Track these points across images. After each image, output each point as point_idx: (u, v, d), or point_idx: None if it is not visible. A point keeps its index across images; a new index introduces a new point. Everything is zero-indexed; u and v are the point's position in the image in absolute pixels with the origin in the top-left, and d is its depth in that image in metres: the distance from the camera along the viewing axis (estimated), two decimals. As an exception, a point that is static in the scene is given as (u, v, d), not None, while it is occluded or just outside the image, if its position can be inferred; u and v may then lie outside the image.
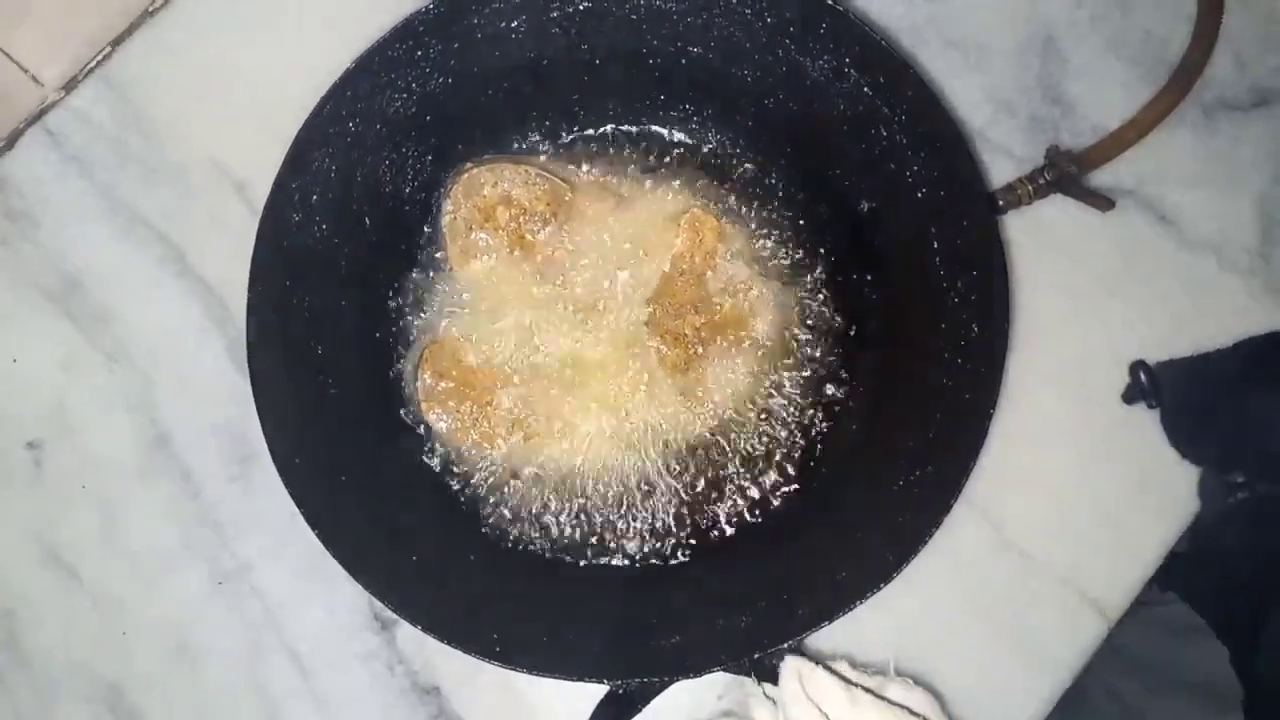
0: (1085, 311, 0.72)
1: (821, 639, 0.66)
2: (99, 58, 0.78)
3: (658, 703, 0.62)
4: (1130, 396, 0.70)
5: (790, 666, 0.56)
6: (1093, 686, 0.69)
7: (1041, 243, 0.72)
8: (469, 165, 0.72)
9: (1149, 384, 0.69)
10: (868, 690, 0.58)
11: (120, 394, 0.74)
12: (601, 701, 0.61)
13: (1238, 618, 0.73)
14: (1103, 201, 0.71)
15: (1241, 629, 0.72)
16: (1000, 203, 0.70)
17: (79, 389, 0.74)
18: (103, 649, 0.70)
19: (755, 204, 0.73)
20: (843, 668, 0.64)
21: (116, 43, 0.78)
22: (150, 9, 0.78)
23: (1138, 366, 0.70)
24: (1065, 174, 0.70)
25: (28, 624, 0.71)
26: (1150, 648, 0.80)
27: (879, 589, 0.59)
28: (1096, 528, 0.69)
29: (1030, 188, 0.70)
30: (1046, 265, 0.72)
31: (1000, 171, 0.73)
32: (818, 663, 0.62)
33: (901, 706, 0.55)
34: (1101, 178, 0.73)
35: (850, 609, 0.59)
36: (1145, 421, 0.70)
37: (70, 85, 0.78)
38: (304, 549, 0.60)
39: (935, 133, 0.65)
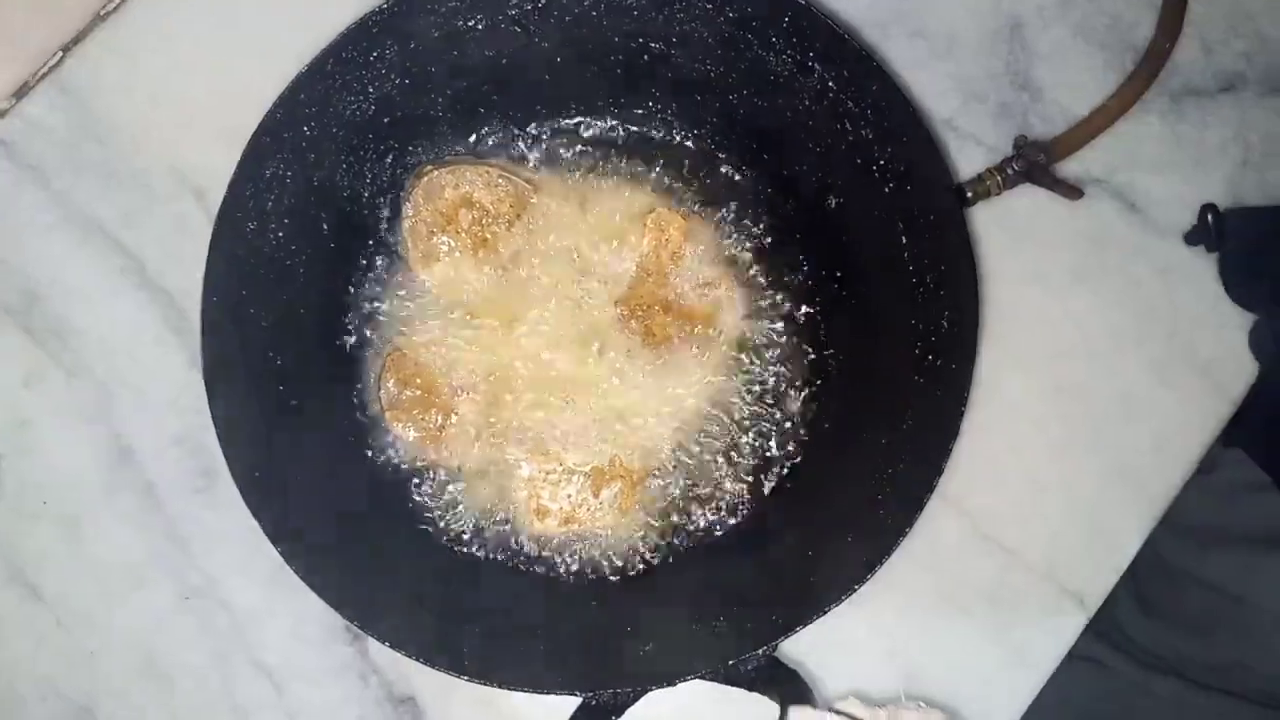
0: (1056, 301, 0.72)
1: (799, 642, 0.66)
2: (51, 63, 0.76)
3: (634, 711, 0.62)
4: (1193, 239, 0.70)
5: (796, 716, 0.56)
6: (1152, 564, 0.70)
7: (1011, 233, 0.72)
8: (429, 167, 0.71)
9: (1215, 227, 0.69)
10: None
11: (81, 407, 0.72)
12: (574, 713, 0.60)
13: None
14: (1072, 191, 0.71)
15: None
16: (969, 194, 0.69)
17: (39, 403, 0.72)
18: (70, 667, 0.70)
19: (721, 201, 0.72)
20: (852, 705, 0.64)
21: (68, 48, 0.76)
22: (102, 12, 0.76)
23: (1207, 209, 0.70)
24: (1034, 164, 0.70)
25: (-8, 643, 0.70)
26: (1205, 512, 0.79)
27: (854, 590, 0.59)
28: (1073, 519, 0.69)
29: (999, 178, 0.69)
30: (1016, 256, 0.71)
31: (970, 160, 0.73)
32: (827, 709, 0.62)
33: None
34: (1070, 167, 0.72)
35: (825, 612, 0.59)
36: (1118, 409, 0.70)
37: (22, 92, 0.76)
38: (271, 560, 0.60)
39: (901, 126, 0.64)
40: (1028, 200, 0.71)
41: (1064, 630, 0.68)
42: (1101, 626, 0.71)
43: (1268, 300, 0.70)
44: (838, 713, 0.61)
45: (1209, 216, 0.70)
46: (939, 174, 0.64)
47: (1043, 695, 0.68)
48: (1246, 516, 0.78)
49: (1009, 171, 0.69)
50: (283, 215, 0.64)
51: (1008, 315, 0.70)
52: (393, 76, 0.66)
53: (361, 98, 0.66)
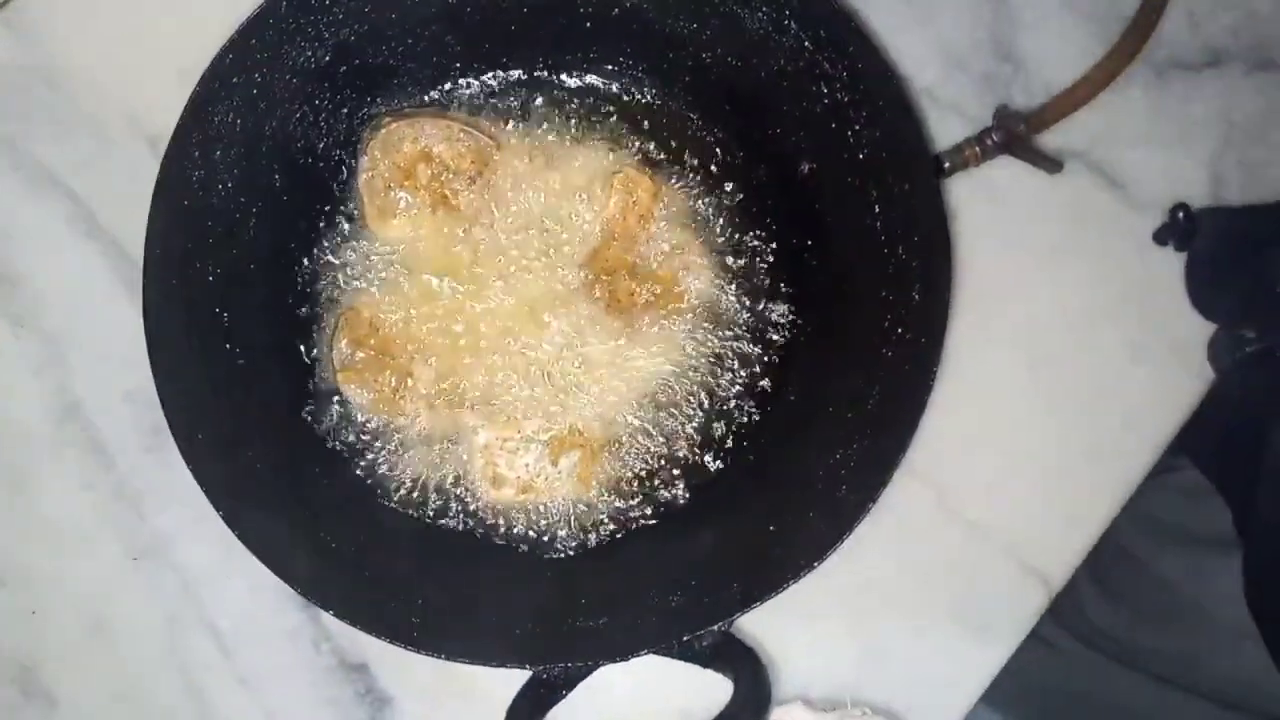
0: (1033, 275, 0.71)
1: (757, 618, 0.64)
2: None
3: (586, 685, 0.61)
4: (1161, 237, 0.69)
5: None
6: (1112, 549, 0.71)
7: (989, 206, 0.70)
8: (387, 119, 0.68)
9: (1185, 226, 0.68)
10: None
11: (28, 361, 0.70)
12: (524, 687, 0.60)
13: (1239, 473, 0.73)
14: (1051, 164, 0.70)
15: (1242, 483, 0.73)
16: (946, 165, 0.68)
17: (-16, 355, 0.70)
18: (13, 628, 0.68)
19: (691, 164, 0.71)
20: (796, 710, 0.64)
21: (16, -16, 0.73)
22: (53, -52, 0.73)
23: (1178, 209, 0.69)
24: (1014, 135, 0.68)
25: (-67, 604, 0.68)
26: (1165, 510, 0.82)
27: (814, 567, 0.58)
28: (1040, 496, 0.69)
29: (977, 149, 0.68)
30: (993, 229, 0.70)
31: (950, 131, 0.71)
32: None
33: None
34: (1051, 139, 0.71)
35: (784, 588, 0.58)
36: (1091, 387, 0.70)
37: (-33, 29, 0.73)
38: (223, 522, 0.59)
39: (878, 91, 0.63)
40: (1007, 172, 0.70)
41: (1027, 608, 0.68)
42: (1063, 611, 0.72)
43: (1230, 311, 0.69)
44: None
45: (1179, 215, 0.69)
46: (916, 142, 0.63)
47: (1003, 676, 0.68)
48: (1201, 519, 0.78)
49: (988, 142, 0.68)
50: (231, 165, 0.63)
51: (982, 289, 0.69)
52: (351, 23, 0.64)
53: (317, 44, 0.64)
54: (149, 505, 0.69)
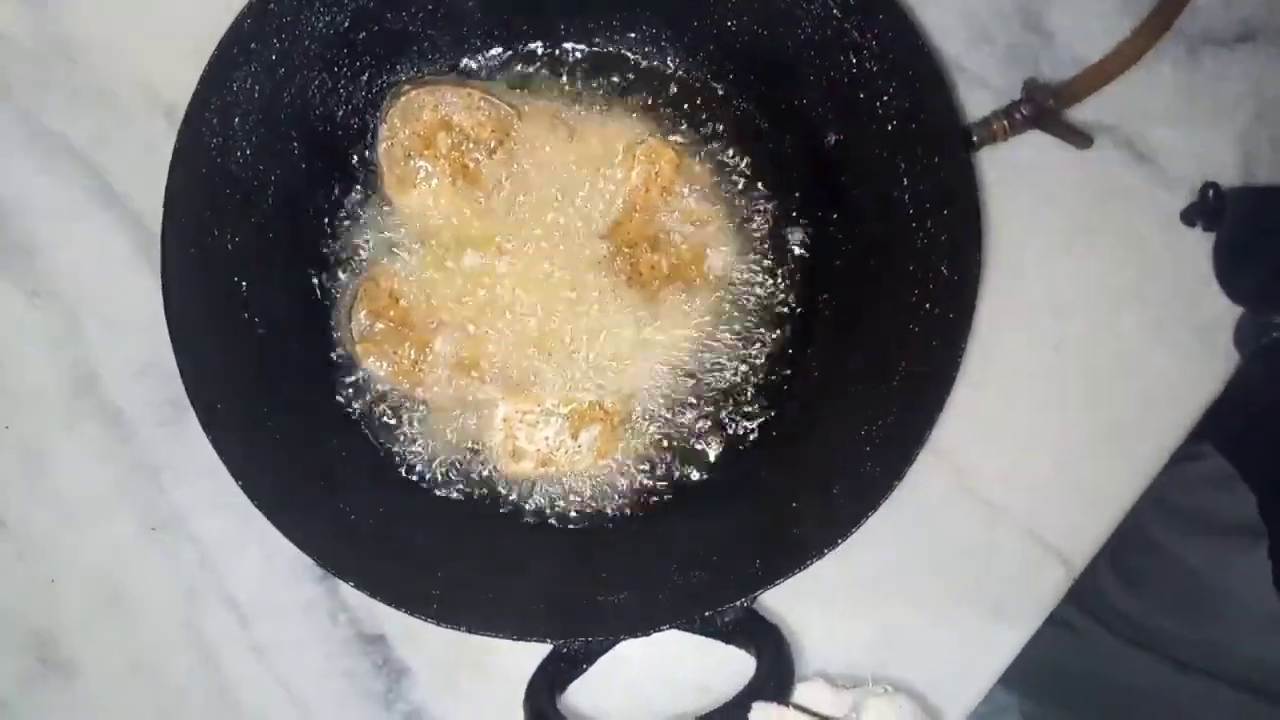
0: (1060, 252, 0.70)
1: (778, 595, 0.64)
2: (14, -31, 0.73)
3: (606, 659, 0.61)
4: (1190, 216, 0.69)
5: (759, 713, 0.57)
6: (1133, 535, 0.70)
7: (1017, 180, 0.69)
8: (407, 87, 0.68)
9: (1215, 205, 0.67)
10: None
11: (45, 332, 0.70)
12: (544, 660, 0.60)
13: (1263, 459, 0.73)
14: (1081, 138, 0.69)
15: (1266, 470, 0.72)
16: (975, 138, 0.67)
17: (1, 326, 0.70)
18: (31, 598, 0.68)
19: (716, 134, 0.70)
20: (818, 687, 0.63)
21: (32, -47, 0.73)
22: (70, -82, 0.73)
23: (1208, 187, 0.68)
24: (1043, 109, 0.67)
25: (-49, 573, 0.68)
26: (1187, 497, 0.81)
27: (836, 544, 0.57)
28: (1062, 477, 0.68)
29: (1006, 123, 0.67)
30: (1021, 204, 0.69)
31: (977, 103, 0.70)
32: (788, 704, 0.60)
33: None
34: (1080, 113, 0.70)
35: (806, 565, 0.57)
36: (1116, 367, 0.69)
37: (-17, -1, 0.73)
38: (241, 494, 0.58)
39: (908, 61, 0.62)
40: (1035, 147, 0.69)
41: (1047, 590, 0.67)
42: (1083, 595, 0.71)
43: (1258, 294, 0.68)
44: (799, 709, 0.60)
45: (1209, 194, 0.67)
46: (946, 113, 0.62)
47: (1020, 658, 0.67)
48: (1226, 506, 0.77)
49: (1016, 116, 0.67)
50: (250, 133, 0.62)
51: (1007, 264, 0.68)
52: (372, -13, 0.64)
53: (336, 9, 0.63)
54: (167, 478, 0.69)
